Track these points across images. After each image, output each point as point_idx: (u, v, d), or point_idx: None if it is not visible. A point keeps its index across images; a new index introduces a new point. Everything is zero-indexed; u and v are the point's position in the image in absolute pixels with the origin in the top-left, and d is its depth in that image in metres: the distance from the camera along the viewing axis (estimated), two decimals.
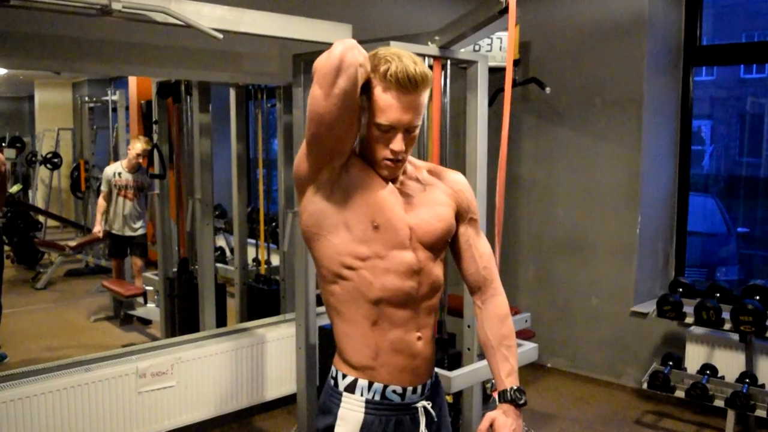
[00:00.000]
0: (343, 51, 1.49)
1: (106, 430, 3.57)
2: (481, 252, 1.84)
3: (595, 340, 4.96)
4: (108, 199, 6.02)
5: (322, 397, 1.77)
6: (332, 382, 1.74)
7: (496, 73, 3.98)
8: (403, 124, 1.60)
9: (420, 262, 1.70)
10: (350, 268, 1.65)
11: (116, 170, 6.01)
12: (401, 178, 1.73)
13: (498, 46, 4.67)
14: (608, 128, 4.80)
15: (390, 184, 1.69)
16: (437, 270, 1.75)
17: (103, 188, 6.05)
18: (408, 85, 1.56)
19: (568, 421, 4.26)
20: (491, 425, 1.72)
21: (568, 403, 4.56)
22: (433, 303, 1.76)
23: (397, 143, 1.61)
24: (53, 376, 3.46)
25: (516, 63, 4.90)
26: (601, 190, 4.87)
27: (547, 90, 4.67)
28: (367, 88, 1.59)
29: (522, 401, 1.74)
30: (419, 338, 1.72)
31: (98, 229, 6.13)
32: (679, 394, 4.08)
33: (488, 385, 2.36)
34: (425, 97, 1.62)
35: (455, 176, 1.85)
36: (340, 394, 1.71)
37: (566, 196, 5.06)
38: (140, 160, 5.94)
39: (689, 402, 4.12)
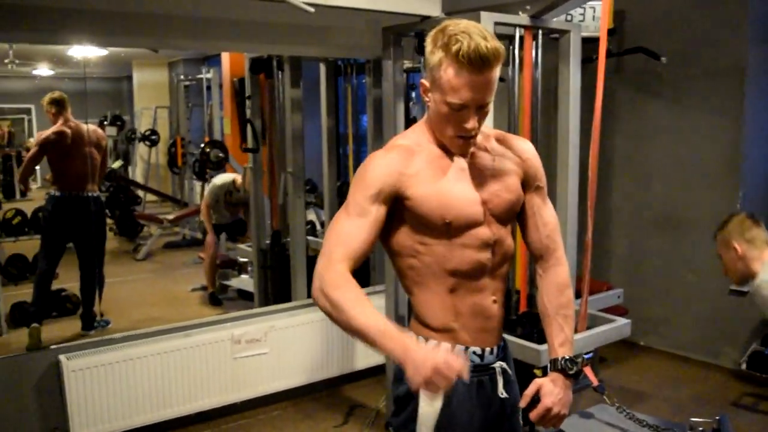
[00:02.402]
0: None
1: (204, 393, 3.74)
2: (545, 220, 1.83)
3: (691, 319, 4.81)
4: (213, 208, 6.05)
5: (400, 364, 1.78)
6: None
7: (588, 43, 3.87)
8: (476, 102, 1.58)
9: (494, 235, 1.72)
10: (425, 244, 1.68)
11: (229, 189, 6.05)
12: (471, 149, 1.72)
13: (591, 16, 4.53)
14: (707, 99, 4.60)
15: (459, 159, 1.70)
16: (509, 240, 1.78)
17: (208, 199, 6.05)
18: (480, 65, 1.53)
19: (661, 401, 4.16)
20: (538, 391, 1.71)
21: (662, 382, 4.46)
22: (506, 270, 1.80)
23: (470, 122, 1.60)
24: (155, 340, 3.65)
25: (610, 32, 4.74)
26: (698, 165, 4.69)
27: (663, 60, 4.49)
28: (437, 63, 1.58)
29: (572, 371, 1.72)
30: (494, 301, 1.75)
31: (212, 239, 6.01)
32: None
33: (579, 360, 2.32)
34: (498, 72, 1.59)
35: (523, 144, 1.84)
36: None
37: (661, 170, 4.90)
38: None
39: None
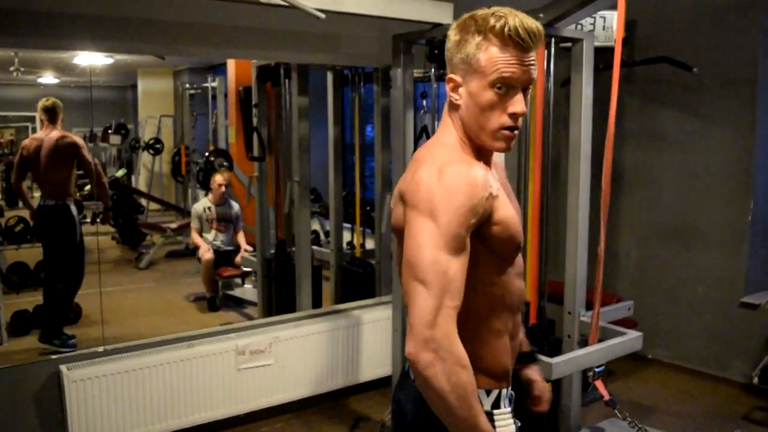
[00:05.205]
0: None
1: (208, 404, 3.68)
2: None
3: (701, 331, 4.74)
4: (199, 233, 6.27)
5: None
6: None
7: (598, 53, 3.84)
8: (524, 80, 1.44)
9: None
10: (496, 274, 1.52)
11: (205, 206, 6.31)
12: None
13: (601, 26, 4.51)
14: (718, 110, 4.56)
15: (495, 173, 1.55)
16: None
17: (194, 225, 6.30)
18: (528, 40, 1.41)
19: (671, 416, 4.10)
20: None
21: (671, 396, 4.39)
22: None
23: (520, 103, 1.44)
24: (157, 350, 3.60)
25: (623, 42, 4.69)
26: (709, 175, 4.64)
27: (695, 70, 4.41)
28: (475, 48, 1.43)
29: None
30: None
31: (205, 248, 6.11)
32: None
33: (590, 373, 2.24)
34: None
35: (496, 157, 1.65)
36: (491, 414, 1.52)
37: (671, 181, 4.85)
38: (223, 191, 6.27)
39: None
